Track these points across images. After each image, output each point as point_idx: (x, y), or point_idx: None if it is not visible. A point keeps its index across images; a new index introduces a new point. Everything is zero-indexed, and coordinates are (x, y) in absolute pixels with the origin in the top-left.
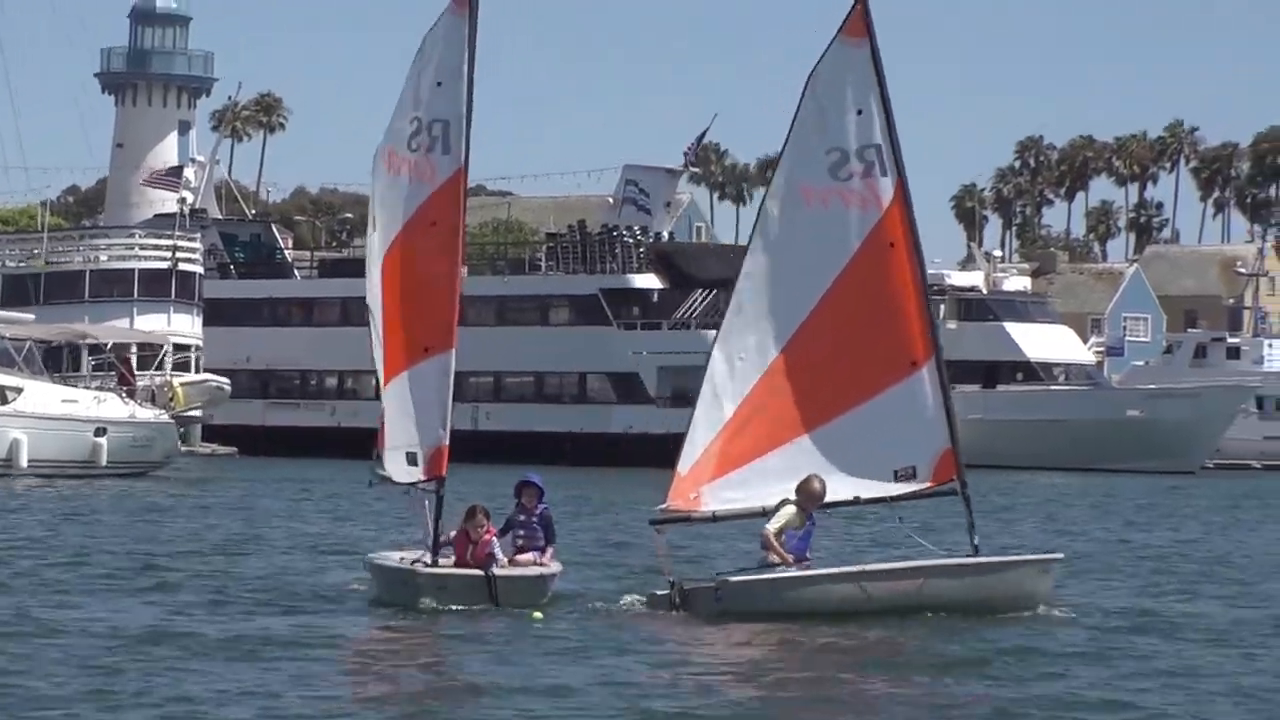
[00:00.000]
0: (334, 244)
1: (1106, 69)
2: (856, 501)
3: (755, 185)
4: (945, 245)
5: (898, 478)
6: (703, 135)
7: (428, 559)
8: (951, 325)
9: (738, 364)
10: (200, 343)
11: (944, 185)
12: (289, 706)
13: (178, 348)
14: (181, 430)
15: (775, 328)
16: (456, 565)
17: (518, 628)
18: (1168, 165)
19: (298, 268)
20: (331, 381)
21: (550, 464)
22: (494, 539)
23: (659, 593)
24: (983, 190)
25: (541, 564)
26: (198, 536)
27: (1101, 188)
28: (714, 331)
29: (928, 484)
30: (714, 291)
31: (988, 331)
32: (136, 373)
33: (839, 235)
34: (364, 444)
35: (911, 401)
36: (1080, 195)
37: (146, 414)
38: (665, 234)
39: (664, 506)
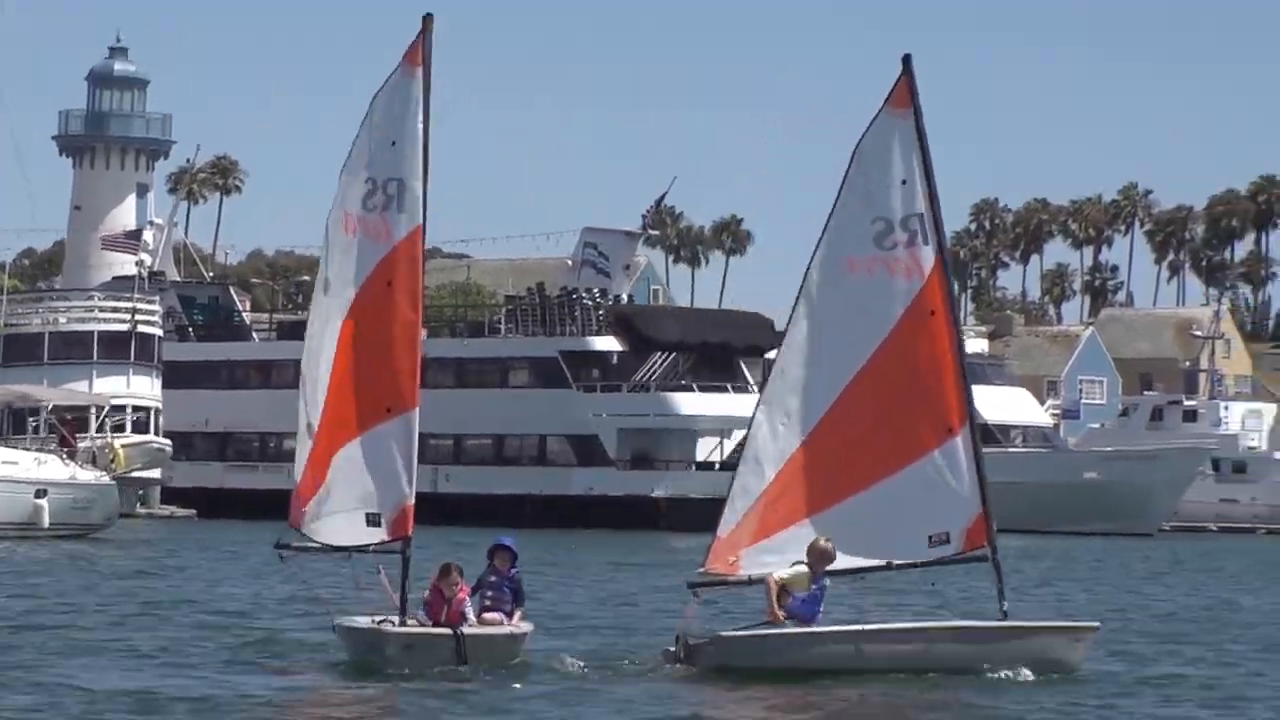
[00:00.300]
0: (289, 306)
1: (1061, 131)
2: (889, 567)
3: (710, 248)
4: None
5: (932, 543)
6: (661, 198)
7: (395, 619)
8: None
9: (780, 429)
10: (159, 405)
11: None
12: None
13: (136, 409)
14: (140, 493)
15: (817, 394)
16: (432, 624)
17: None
18: (1122, 228)
19: (255, 330)
20: (290, 444)
21: (510, 526)
22: (466, 599)
23: (669, 648)
24: None
25: (511, 624)
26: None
27: (1056, 250)
28: (675, 394)
29: (960, 549)
30: (673, 354)
31: None
32: (77, 435)
33: (883, 304)
34: None
35: (947, 468)
36: (1035, 258)
37: (88, 475)
38: (624, 296)
39: (702, 570)
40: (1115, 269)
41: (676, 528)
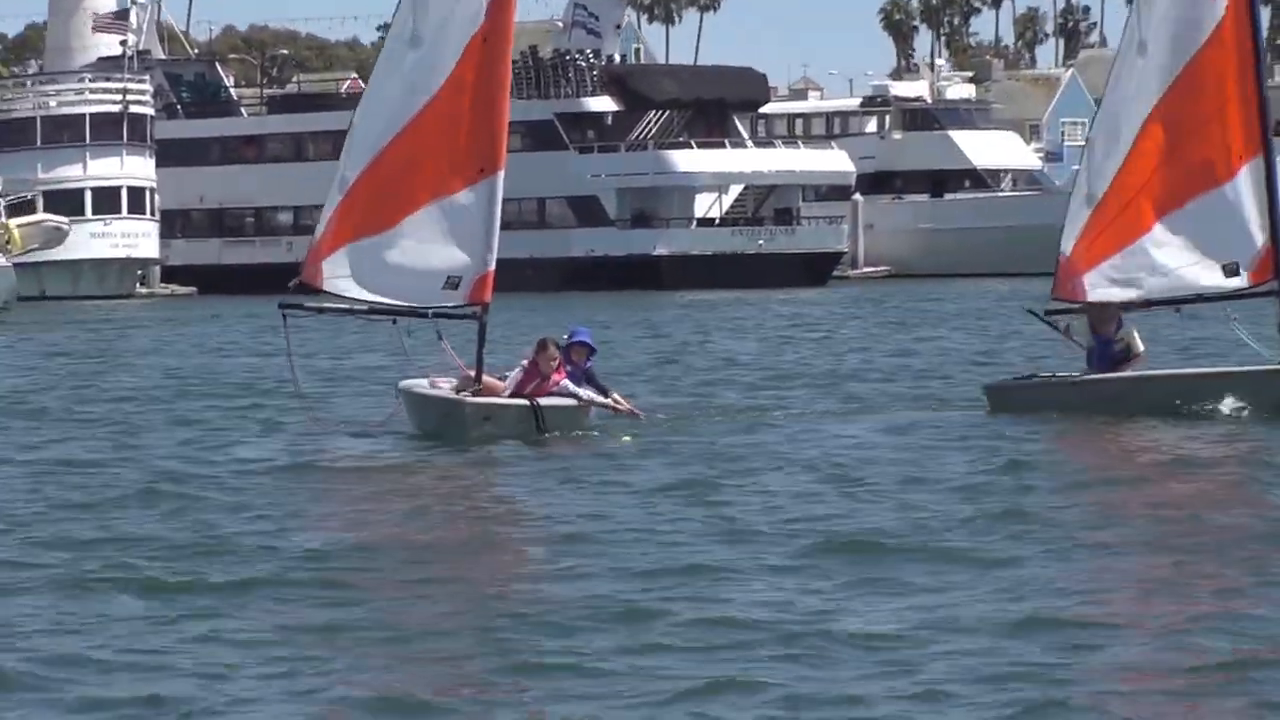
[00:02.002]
0: (266, 81)
1: None
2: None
3: (684, 6)
4: (875, 58)
5: (1226, 273)
6: None
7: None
8: (897, 136)
9: (1114, 145)
10: (154, 185)
11: None
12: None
13: (131, 190)
14: (141, 273)
15: (1135, 108)
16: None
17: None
18: None
19: (243, 106)
20: (286, 217)
21: (512, 290)
22: (565, 379)
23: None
24: (910, 1)
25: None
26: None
27: None
28: (673, 152)
29: (1249, 284)
30: (668, 112)
31: (934, 141)
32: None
33: (1184, 23)
34: None
35: (1241, 198)
36: (1007, 3)
37: None
38: (615, 57)
39: (1055, 298)
40: (1087, 10)
41: (679, 285)
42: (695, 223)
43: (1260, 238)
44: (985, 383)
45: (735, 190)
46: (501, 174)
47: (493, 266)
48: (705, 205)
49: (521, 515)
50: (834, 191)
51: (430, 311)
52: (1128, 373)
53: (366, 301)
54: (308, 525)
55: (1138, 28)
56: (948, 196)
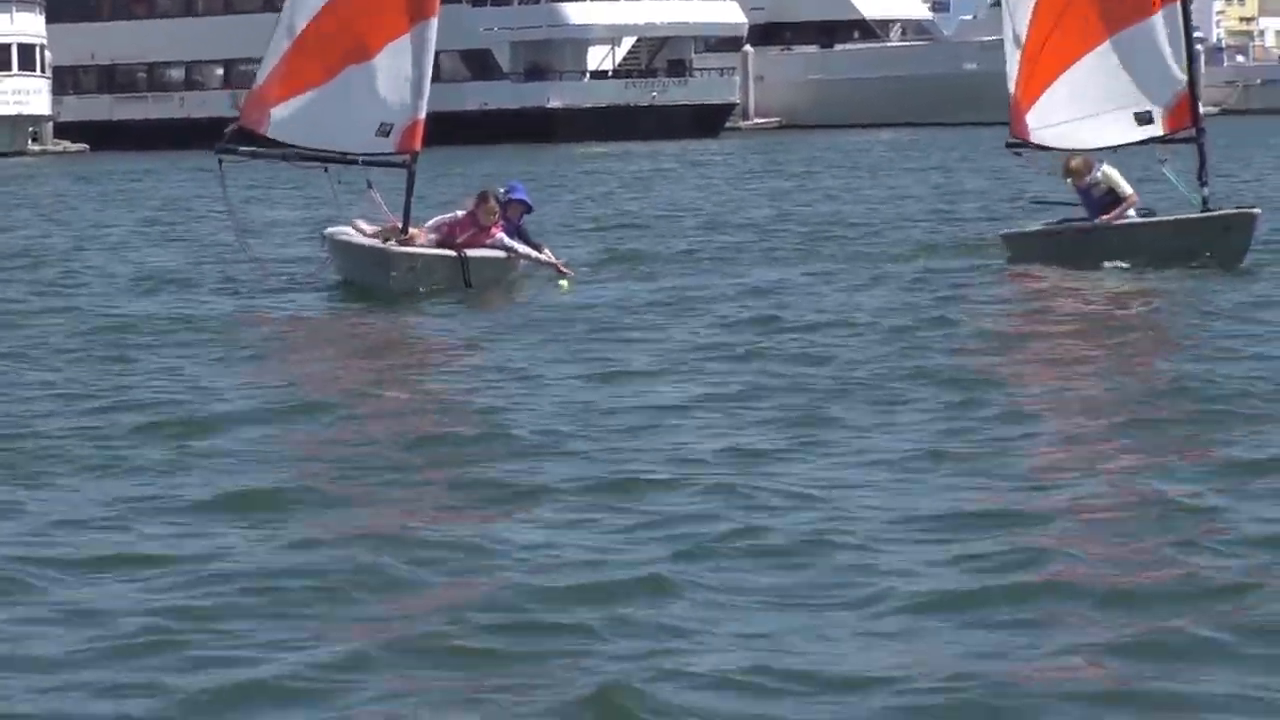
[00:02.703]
0: None
1: None
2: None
3: None
4: None
5: (1139, 121)
6: None
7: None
8: None
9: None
10: (44, 41)
11: None
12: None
13: (21, 46)
14: (33, 130)
15: None
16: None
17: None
18: None
19: None
20: (177, 73)
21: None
22: (500, 233)
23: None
24: None
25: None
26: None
27: None
28: (566, 4)
29: (1165, 130)
30: None
31: None
32: None
33: None
34: (215, 134)
35: (1156, 39)
36: None
37: None
38: None
39: (1012, 137)
40: None
41: (572, 138)
42: (588, 75)
43: (1176, 84)
44: (1002, 231)
45: (628, 42)
46: (435, 20)
47: (423, 115)
48: (598, 58)
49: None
50: (724, 43)
51: (360, 159)
52: (1127, 220)
53: (302, 147)
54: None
55: None
56: (837, 47)
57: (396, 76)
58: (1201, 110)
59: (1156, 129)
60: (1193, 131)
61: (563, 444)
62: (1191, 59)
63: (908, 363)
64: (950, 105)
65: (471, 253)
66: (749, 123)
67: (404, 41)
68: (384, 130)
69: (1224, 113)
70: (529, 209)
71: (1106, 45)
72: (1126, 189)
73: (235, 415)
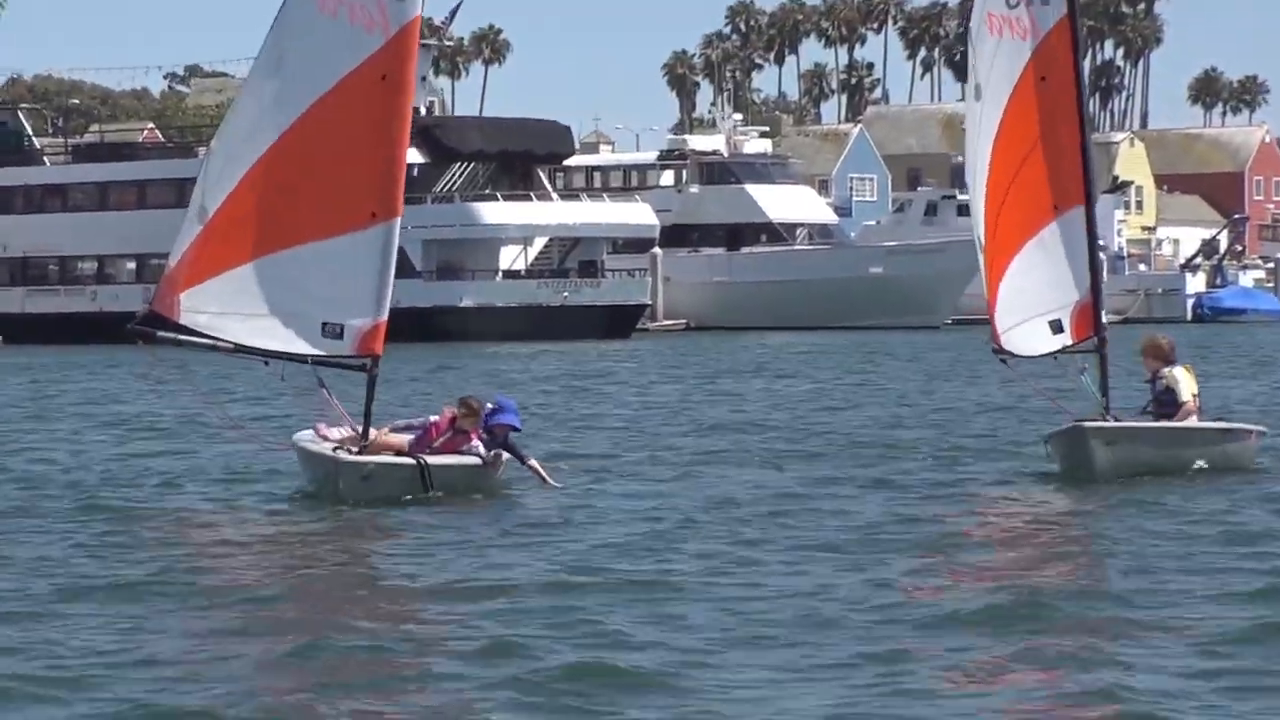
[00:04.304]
0: (53, 131)
1: None
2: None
3: (469, 59)
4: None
5: (1053, 330)
6: (457, 8)
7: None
8: (694, 189)
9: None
10: None
11: (655, 52)
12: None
13: None
14: None
15: (979, 148)
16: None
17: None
18: (875, 26)
19: (46, 155)
20: (90, 266)
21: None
22: (477, 441)
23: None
24: (693, 56)
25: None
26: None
27: (811, 50)
28: (479, 204)
29: (1071, 340)
30: (473, 164)
31: (730, 195)
32: None
33: (1007, 67)
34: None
35: (1058, 245)
36: (790, 59)
37: None
38: (422, 109)
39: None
40: (871, 66)
41: (484, 337)
42: (501, 275)
43: (1079, 291)
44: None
45: (540, 242)
46: (398, 220)
47: (385, 316)
48: (510, 257)
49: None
50: (631, 245)
51: (309, 359)
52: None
53: (233, 342)
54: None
55: (974, 71)
56: (744, 250)
57: (352, 274)
58: (1104, 318)
59: (1066, 338)
60: (1095, 341)
61: None
62: (1095, 269)
63: None
64: (856, 308)
65: (435, 459)
66: (657, 324)
67: (360, 237)
68: (332, 331)
69: (1126, 321)
70: (515, 431)
71: (1028, 249)
72: (1184, 395)
73: None
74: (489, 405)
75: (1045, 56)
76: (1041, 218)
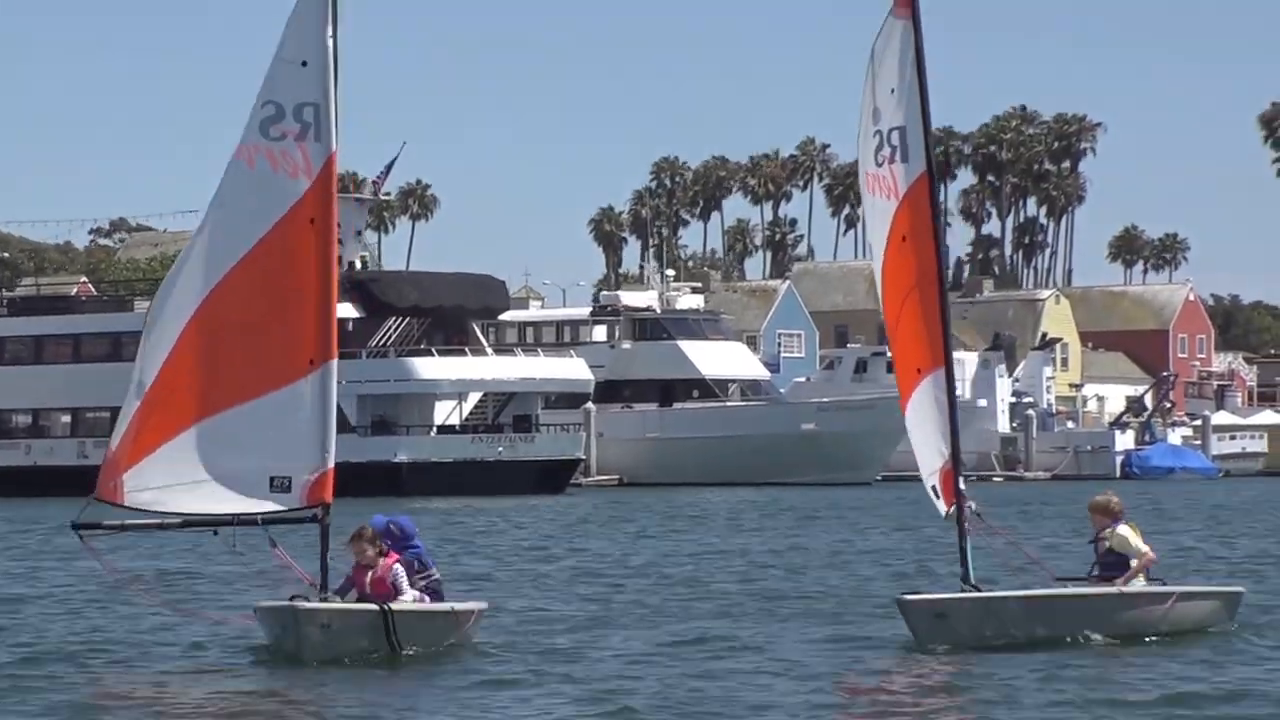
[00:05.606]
0: None
1: (738, 86)
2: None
3: (396, 214)
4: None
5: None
6: (392, 163)
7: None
8: (627, 345)
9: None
10: None
11: (582, 208)
12: None
13: None
14: None
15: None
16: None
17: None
18: (801, 183)
19: None
20: (24, 420)
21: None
22: (397, 565)
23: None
24: (621, 213)
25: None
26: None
27: (735, 206)
28: (414, 359)
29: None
30: (408, 319)
31: (663, 350)
32: None
33: (881, 226)
34: (62, 481)
35: (928, 404)
36: (715, 214)
37: None
38: (356, 263)
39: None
40: (795, 223)
41: (419, 492)
42: (436, 430)
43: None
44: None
45: (475, 397)
46: (335, 362)
47: (332, 464)
48: (445, 412)
49: None
50: (564, 399)
51: (260, 518)
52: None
53: (182, 514)
54: None
55: (868, 229)
56: (676, 405)
57: (294, 424)
58: (1034, 475)
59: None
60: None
61: None
62: (955, 433)
63: None
64: (788, 464)
65: (399, 605)
66: (590, 479)
67: (301, 386)
68: (280, 484)
69: (1055, 478)
70: (400, 538)
71: (908, 412)
72: (1134, 553)
73: None
74: (383, 520)
75: (905, 215)
76: (911, 380)
